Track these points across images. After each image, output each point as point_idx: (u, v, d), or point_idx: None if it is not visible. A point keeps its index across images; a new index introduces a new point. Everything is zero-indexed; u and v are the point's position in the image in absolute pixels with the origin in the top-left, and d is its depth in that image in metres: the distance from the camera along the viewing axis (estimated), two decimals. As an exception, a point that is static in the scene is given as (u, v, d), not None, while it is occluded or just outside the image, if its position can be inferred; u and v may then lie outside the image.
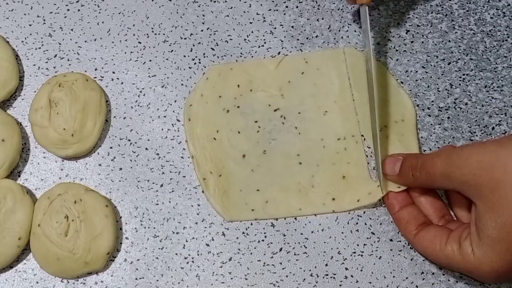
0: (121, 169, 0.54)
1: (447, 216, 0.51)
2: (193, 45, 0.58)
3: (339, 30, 0.59)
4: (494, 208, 0.43)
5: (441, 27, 0.59)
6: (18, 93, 0.56)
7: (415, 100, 0.56)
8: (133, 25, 0.59)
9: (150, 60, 0.58)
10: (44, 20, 0.59)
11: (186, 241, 0.52)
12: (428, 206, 0.51)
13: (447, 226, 0.50)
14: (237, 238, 0.52)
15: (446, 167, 0.46)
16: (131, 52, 0.58)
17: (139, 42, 0.58)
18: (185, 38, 0.58)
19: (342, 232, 0.52)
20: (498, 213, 0.43)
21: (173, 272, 0.51)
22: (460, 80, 0.57)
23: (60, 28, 0.59)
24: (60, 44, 0.58)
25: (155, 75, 0.57)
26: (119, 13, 0.59)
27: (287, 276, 0.51)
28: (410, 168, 0.49)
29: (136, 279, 0.51)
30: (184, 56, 0.58)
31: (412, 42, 0.59)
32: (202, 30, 0.59)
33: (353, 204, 0.52)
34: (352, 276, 0.51)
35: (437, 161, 0.47)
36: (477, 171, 0.44)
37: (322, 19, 0.59)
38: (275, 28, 0.59)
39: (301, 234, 0.52)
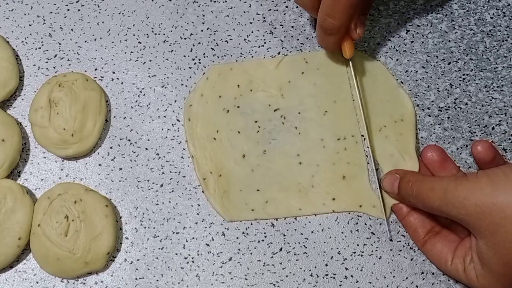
0: (121, 169, 0.54)
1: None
2: (193, 45, 0.58)
3: (339, 30, 0.59)
4: (496, 247, 0.44)
5: (441, 27, 0.59)
6: (18, 93, 0.56)
7: (415, 100, 0.56)
8: (133, 25, 0.59)
9: (150, 60, 0.58)
10: (44, 20, 0.59)
11: (186, 241, 0.52)
12: None
13: (453, 228, 0.50)
14: (237, 238, 0.52)
15: (442, 204, 0.46)
16: (131, 52, 0.58)
17: (139, 42, 0.58)
18: (185, 38, 0.58)
19: (342, 232, 0.52)
20: (500, 253, 0.44)
21: (173, 272, 0.51)
22: (460, 80, 0.57)
23: (60, 28, 0.59)
24: (60, 44, 0.58)
25: (155, 75, 0.57)
26: (119, 13, 0.59)
27: (287, 276, 0.51)
28: (405, 194, 0.50)
29: (136, 279, 0.51)
30: (184, 56, 0.58)
31: (412, 42, 0.58)
32: (202, 30, 0.59)
33: (354, 208, 0.52)
34: (352, 276, 0.51)
35: (432, 196, 0.47)
36: (475, 213, 0.44)
37: (322, 19, 0.59)
38: (275, 28, 0.59)
39: (301, 234, 0.52)
